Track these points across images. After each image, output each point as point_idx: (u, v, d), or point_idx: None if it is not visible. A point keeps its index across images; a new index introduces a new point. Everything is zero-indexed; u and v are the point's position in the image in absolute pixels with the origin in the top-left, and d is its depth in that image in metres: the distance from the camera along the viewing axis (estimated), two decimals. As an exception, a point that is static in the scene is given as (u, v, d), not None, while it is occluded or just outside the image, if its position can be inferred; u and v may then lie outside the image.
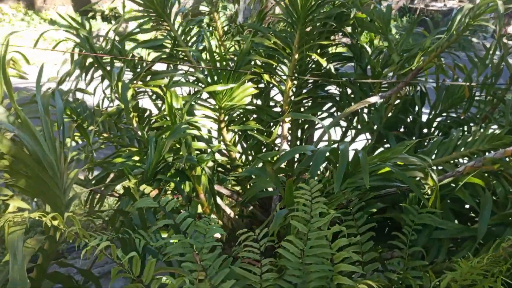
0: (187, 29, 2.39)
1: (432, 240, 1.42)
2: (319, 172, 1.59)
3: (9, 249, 0.78)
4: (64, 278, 1.16)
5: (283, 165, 1.66)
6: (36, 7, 8.41)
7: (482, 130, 1.81)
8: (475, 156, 1.77)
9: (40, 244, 0.93)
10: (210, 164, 1.96)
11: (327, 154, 1.26)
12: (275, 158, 2.08)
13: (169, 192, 1.96)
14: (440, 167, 1.80)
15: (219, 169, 2.23)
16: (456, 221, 1.55)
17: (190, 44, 2.39)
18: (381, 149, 2.18)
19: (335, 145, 2.31)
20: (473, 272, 0.92)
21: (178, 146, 1.81)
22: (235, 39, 2.70)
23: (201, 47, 2.42)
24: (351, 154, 1.42)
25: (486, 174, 1.55)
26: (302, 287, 0.97)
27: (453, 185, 1.57)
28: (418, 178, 1.50)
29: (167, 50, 2.38)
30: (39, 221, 0.91)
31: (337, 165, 1.21)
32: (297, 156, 2.24)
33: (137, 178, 1.50)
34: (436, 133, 2.26)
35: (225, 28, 2.79)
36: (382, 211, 1.63)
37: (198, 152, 1.99)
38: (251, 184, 1.58)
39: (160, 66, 2.42)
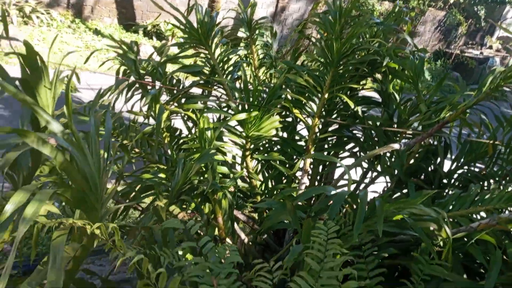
0: (225, 59, 2.52)
1: (439, 291, 1.45)
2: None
3: (51, 253, 0.87)
4: (88, 284, 1.24)
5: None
6: (83, 16, 8.84)
7: (501, 188, 1.84)
8: (492, 213, 1.80)
9: (74, 252, 1.02)
10: (231, 189, 2.05)
11: (346, 197, 1.33)
12: (294, 193, 2.16)
13: (188, 211, 2.05)
14: (455, 220, 1.83)
15: (239, 194, 2.31)
16: (465, 275, 1.58)
17: (226, 72, 2.52)
18: (398, 194, 2.22)
19: (354, 188, 2.39)
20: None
21: (203, 169, 1.91)
22: (269, 72, 2.82)
23: (236, 76, 2.54)
24: (370, 195, 1.47)
25: (499, 233, 1.58)
26: (308, 322, 1.03)
27: (465, 239, 1.60)
28: (432, 229, 1.54)
29: (204, 77, 2.51)
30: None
31: (355, 209, 1.28)
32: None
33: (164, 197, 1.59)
34: (455, 185, 2.29)
35: (260, 57, 2.91)
36: (394, 256, 1.67)
37: (221, 175, 2.08)
38: (267, 215, 1.65)
39: (195, 89, 2.54)
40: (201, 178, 1.84)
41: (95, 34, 8.56)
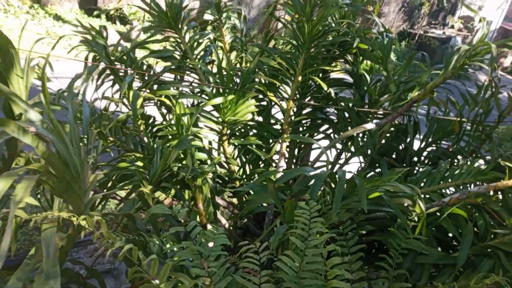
0: (195, 44, 2.49)
1: (415, 264, 1.52)
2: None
3: (43, 244, 0.86)
4: (74, 274, 1.23)
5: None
6: (42, 1, 8.47)
7: (468, 164, 1.93)
8: (461, 188, 1.88)
9: (62, 242, 1.01)
10: (210, 175, 2.05)
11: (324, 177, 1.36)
12: (273, 176, 2.18)
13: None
14: (427, 196, 1.91)
15: (217, 180, 2.32)
16: (439, 248, 1.66)
17: (198, 56, 2.49)
18: (372, 173, 2.29)
19: (329, 169, 2.44)
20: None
21: (182, 155, 1.90)
22: (240, 56, 2.81)
23: (207, 60, 2.52)
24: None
25: (469, 207, 1.67)
26: (296, 299, 1.07)
27: (438, 214, 1.68)
28: (406, 205, 1.61)
29: (175, 61, 2.48)
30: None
31: (334, 188, 1.31)
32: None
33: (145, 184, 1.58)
34: (425, 162, 2.38)
35: (230, 41, 2.89)
36: (371, 233, 1.73)
37: (199, 161, 2.08)
38: (248, 198, 1.67)
39: (166, 75, 2.51)
40: (180, 164, 1.83)
41: (55, 20, 8.24)
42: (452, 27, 18.08)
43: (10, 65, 1.24)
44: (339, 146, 2.47)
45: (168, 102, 2.09)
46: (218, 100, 1.94)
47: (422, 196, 1.87)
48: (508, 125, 2.23)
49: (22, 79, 1.30)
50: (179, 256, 1.04)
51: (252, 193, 2.34)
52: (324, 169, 1.51)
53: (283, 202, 1.50)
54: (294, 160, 2.42)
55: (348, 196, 1.48)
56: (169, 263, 0.93)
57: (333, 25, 2.26)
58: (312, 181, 1.33)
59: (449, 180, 1.88)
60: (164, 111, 2.44)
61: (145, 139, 2.06)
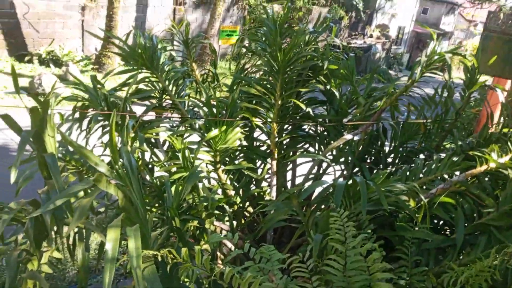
0: (172, 81, 2.60)
1: (421, 251, 1.73)
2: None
3: (147, 282, 0.93)
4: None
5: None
6: (-34, 52, 8.08)
7: (442, 157, 2.19)
8: (443, 179, 2.14)
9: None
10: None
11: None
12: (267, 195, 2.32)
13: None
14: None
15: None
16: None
17: (177, 92, 2.60)
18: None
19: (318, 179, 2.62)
20: (483, 269, 1.23)
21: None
22: (213, 87, 2.95)
23: (185, 95, 2.64)
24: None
25: (453, 194, 1.92)
26: (348, 296, 1.22)
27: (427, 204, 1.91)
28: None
29: (153, 100, 2.58)
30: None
31: (352, 194, 1.49)
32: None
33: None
34: (397, 162, 2.64)
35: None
36: (373, 230, 1.92)
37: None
38: (269, 216, 1.80)
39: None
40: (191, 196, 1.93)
41: (-16, 70, 7.88)
42: (371, 36, 19.46)
43: (45, 127, 1.31)
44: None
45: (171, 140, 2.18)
46: (215, 132, 2.07)
47: (409, 191, 2.11)
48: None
49: (53, 137, 1.36)
50: (251, 273, 1.15)
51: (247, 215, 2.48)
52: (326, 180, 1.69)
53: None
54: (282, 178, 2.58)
55: (357, 200, 1.66)
56: (260, 278, 1.04)
57: (302, 51, 2.48)
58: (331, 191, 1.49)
59: (428, 175, 2.14)
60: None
61: (147, 177, 2.12)
